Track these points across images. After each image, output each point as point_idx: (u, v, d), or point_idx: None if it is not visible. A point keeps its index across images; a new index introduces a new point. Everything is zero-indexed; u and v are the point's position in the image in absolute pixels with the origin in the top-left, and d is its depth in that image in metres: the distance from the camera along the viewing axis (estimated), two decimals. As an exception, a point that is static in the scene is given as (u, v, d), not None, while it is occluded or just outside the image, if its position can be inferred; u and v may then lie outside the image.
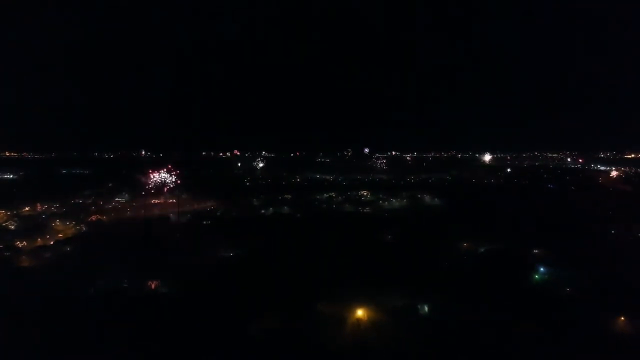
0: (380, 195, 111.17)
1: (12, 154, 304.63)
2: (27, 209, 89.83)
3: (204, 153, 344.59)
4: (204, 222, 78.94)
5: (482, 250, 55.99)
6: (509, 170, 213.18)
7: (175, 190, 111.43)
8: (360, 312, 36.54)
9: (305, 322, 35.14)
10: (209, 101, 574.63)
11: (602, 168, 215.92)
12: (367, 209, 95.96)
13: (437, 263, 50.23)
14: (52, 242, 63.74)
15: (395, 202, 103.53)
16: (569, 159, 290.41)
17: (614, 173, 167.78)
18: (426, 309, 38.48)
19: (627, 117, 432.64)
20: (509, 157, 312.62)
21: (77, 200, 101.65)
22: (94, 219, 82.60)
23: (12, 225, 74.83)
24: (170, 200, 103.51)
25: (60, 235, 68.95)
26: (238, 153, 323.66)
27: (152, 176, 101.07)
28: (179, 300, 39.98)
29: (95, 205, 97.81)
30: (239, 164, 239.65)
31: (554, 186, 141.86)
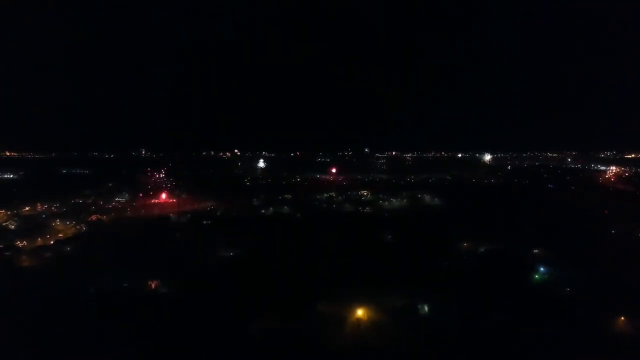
0: (380, 195, 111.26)
1: (12, 153, 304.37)
2: (27, 208, 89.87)
3: (204, 153, 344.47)
4: (204, 222, 78.86)
5: (482, 250, 55.95)
6: (509, 167, 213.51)
7: (175, 190, 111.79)
8: (360, 312, 36.54)
9: (305, 322, 35.12)
10: (209, 101, 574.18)
11: (602, 168, 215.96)
12: (367, 209, 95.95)
13: (437, 263, 50.18)
14: (52, 242, 63.65)
15: (395, 202, 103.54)
16: (569, 159, 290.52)
17: (613, 173, 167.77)
18: (426, 309, 38.45)
19: (627, 117, 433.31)
20: (508, 157, 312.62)
21: (77, 200, 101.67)
22: (94, 218, 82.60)
23: (12, 225, 74.83)
24: (170, 200, 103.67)
25: (60, 235, 68.92)
26: (238, 153, 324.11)
27: (152, 176, 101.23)
28: (179, 300, 39.95)
29: (96, 205, 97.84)
30: (239, 164, 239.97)
31: (554, 186, 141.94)
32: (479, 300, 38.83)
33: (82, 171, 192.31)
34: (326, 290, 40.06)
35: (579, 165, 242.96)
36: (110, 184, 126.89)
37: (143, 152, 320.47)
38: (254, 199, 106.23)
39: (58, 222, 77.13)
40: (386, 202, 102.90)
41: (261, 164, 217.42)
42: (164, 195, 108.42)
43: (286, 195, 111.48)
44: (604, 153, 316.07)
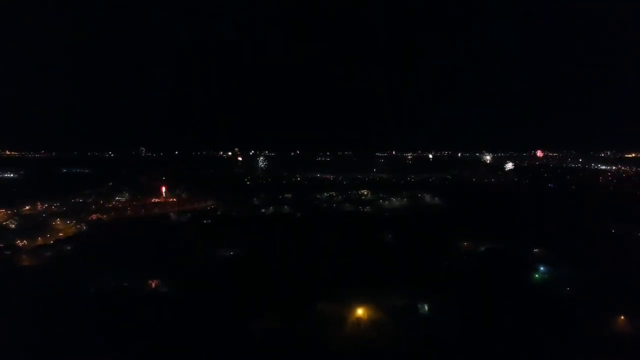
0: (381, 195, 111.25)
1: (13, 153, 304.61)
2: (27, 208, 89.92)
3: (204, 152, 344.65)
4: (204, 222, 78.88)
5: (482, 250, 55.98)
6: (508, 167, 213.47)
7: (175, 189, 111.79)
8: (360, 312, 36.57)
9: (305, 322, 35.15)
10: (209, 101, 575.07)
11: (603, 167, 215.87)
12: (367, 209, 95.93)
13: (437, 263, 50.21)
14: (52, 241, 63.75)
15: (395, 202, 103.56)
16: (569, 159, 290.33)
17: (613, 172, 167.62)
18: (426, 308, 38.48)
19: (627, 117, 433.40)
20: (508, 157, 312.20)
21: (77, 200, 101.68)
22: (94, 218, 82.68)
23: (12, 224, 74.89)
24: (171, 200, 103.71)
25: (60, 235, 69.04)
26: (238, 152, 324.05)
27: (152, 176, 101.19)
28: (179, 300, 39.98)
29: (96, 205, 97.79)
30: (240, 163, 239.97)
31: (554, 186, 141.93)
32: (479, 300, 38.83)
33: (82, 171, 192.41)
34: (326, 290, 40.09)
35: (579, 165, 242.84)
36: (110, 184, 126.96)
37: (143, 151, 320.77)
38: (254, 199, 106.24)
39: (58, 221, 77.23)
40: (386, 202, 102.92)
41: (261, 163, 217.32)
42: (164, 195, 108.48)
43: (286, 195, 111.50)
44: (604, 153, 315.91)
